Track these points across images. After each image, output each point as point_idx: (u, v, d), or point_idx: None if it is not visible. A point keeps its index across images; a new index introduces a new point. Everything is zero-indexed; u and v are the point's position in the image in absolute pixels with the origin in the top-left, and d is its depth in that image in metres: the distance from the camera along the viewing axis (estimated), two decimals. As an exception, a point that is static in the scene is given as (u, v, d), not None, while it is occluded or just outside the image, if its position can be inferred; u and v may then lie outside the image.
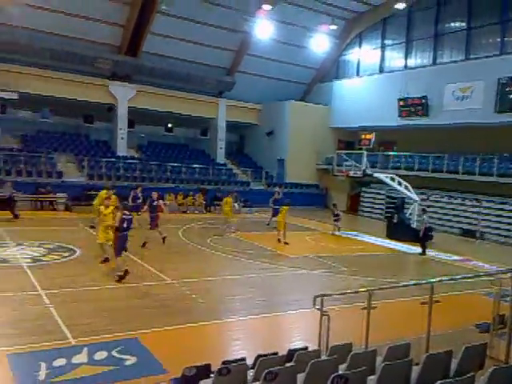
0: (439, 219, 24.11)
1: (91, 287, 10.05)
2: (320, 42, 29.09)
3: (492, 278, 8.50)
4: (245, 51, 29.77)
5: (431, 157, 24.97)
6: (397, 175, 22.81)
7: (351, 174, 23.99)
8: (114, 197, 13.83)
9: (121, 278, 10.50)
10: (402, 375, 4.45)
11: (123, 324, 7.92)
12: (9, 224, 17.16)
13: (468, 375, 4.14)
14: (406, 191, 21.93)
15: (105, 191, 15.54)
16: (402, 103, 26.37)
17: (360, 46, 30.95)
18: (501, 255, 18.14)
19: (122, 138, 28.18)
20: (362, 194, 30.18)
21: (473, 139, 23.12)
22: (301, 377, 4.38)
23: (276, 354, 5.11)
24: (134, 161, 27.97)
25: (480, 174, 22.57)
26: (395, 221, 20.75)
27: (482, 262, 16.08)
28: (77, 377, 5.97)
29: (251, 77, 30.91)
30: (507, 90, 21.62)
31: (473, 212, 23.29)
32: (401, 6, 26.17)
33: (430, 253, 17.20)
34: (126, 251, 11.01)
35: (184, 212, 24.25)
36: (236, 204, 20.81)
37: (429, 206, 22.56)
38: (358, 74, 31.09)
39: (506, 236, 21.42)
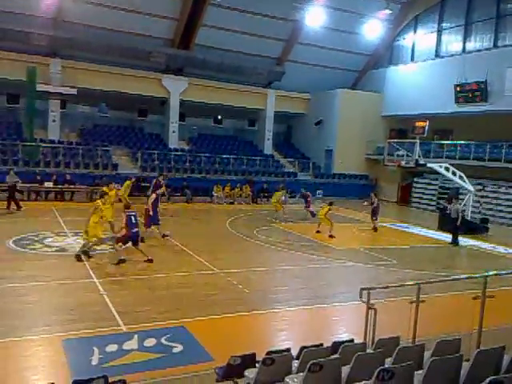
0: (498, 211, 23.02)
1: (142, 276, 10.38)
2: (373, 28, 28.42)
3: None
4: (295, 40, 29.57)
5: (488, 145, 23.83)
6: (451, 165, 21.94)
7: (403, 163, 23.24)
8: (113, 192, 14.02)
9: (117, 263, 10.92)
10: (451, 371, 4.29)
11: (171, 312, 8.13)
12: (66, 214, 17.86)
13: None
14: (460, 181, 21.06)
15: (129, 182, 16.35)
16: (458, 89, 25.31)
17: (415, 31, 29.97)
18: None
19: (174, 132, 28.84)
20: (414, 185, 29.27)
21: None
22: (346, 369, 4.34)
23: (321, 345, 5.07)
24: (184, 153, 28.55)
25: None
26: (448, 212, 20.00)
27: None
28: (128, 362, 6.18)
29: (301, 66, 30.66)
30: None
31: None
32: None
33: (485, 245, 16.49)
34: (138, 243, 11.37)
35: (231, 203, 24.51)
36: (283, 196, 20.80)
37: (482, 197, 21.58)
38: (412, 60, 30.14)
39: None
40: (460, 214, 16.45)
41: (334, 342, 5.16)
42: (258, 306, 8.86)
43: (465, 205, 20.54)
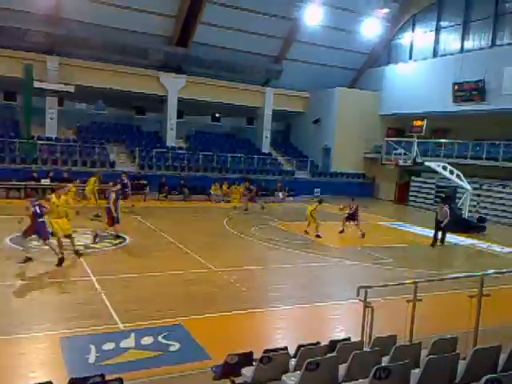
0: (494, 209, 23.08)
1: (139, 274, 10.35)
2: (371, 26, 28.42)
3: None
4: (293, 38, 29.56)
5: (485, 144, 23.86)
6: (449, 164, 21.98)
7: (401, 162, 23.25)
8: (74, 189, 14.67)
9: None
10: (448, 369, 4.30)
11: (168, 310, 8.12)
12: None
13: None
14: (458, 180, 21.11)
15: (94, 178, 16.84)
16: (456, 87, 25.33)
17: (413, 29, 29.99)
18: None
19: (172, 129, 28.78)
20: (412, 184, 29.32)
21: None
22: (343, 368, 4.35)
23: (318, 343, 5.08)
24: (182, 151, 28.50)
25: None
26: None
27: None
28: (125, 361, 6.18)
29: (299, 64, 30.65)
30: None
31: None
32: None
33: (482, 244, 16.51)
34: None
35: (229, 201, 24.47)
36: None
37: (479, 196, 21.58)
38: (410, 58, 30.17)
39: None
40: (448, 218, 16.04)
41: (331, 341, 5.17)
42: (255, 305, 8.86)
43: (462, 204, 20.60)
